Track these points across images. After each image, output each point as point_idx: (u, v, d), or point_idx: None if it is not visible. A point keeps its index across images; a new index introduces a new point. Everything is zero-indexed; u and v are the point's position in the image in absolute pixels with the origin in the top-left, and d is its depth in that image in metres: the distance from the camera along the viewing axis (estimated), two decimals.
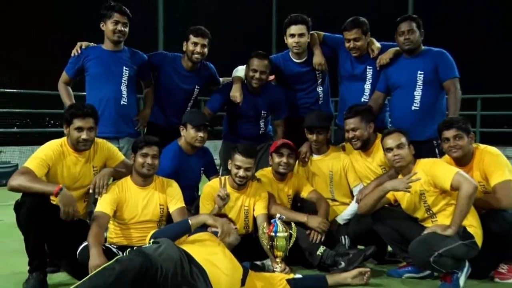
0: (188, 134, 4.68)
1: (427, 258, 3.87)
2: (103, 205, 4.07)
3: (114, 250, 3.96)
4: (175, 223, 4.03)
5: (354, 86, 5.16)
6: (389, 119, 5.18)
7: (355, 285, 3.98)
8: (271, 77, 5.39)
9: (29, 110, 11.98)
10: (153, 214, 4.20)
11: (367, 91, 5.10)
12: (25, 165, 3.99)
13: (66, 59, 5.06)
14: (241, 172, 4.45)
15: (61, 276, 4.21)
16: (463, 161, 4.19)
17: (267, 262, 4.32)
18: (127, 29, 4.98)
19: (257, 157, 4.89)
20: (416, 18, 4.87)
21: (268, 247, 4.22)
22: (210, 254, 3.58)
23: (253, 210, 4.59)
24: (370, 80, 5.08)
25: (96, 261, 3.60)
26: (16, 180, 3.85)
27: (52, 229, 3.91)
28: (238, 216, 4.55)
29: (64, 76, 5.05)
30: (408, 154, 4.18)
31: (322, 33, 5.28)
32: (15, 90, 11.24)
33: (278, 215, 4.27)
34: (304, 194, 4.84)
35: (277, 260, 4.20)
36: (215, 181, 4.60)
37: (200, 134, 4.66)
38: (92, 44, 5.05)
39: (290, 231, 4.22)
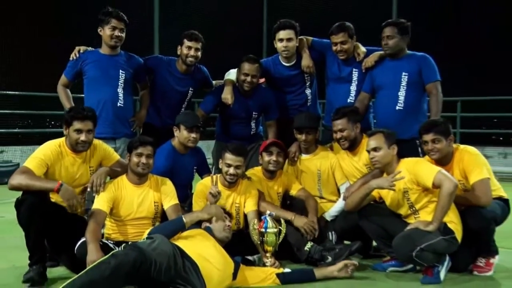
0: (181, 135, 4.67)
1: (410, 253, 3.89)
2: (100, 202, 4.06)
3: (111, 245, 3.96)
4: (169, 221, 4.01)
5: (340, 88, 5.16)
6: (374, 120, 5.19)
7: (341, 278, 3.98)
8: (262, 80, 5.39)
9: (30, 111, 11.95)
10: (148, 211, 4.20)
11: (353, 93, 5.10)
12: (25, 165, 3.97)
13: (65, 62, 5.04)
14: (231, 170, 4.44)
15: (60, 270, 4.19)
16: (444, 161, 4.20)
17: (258, 256, 4.32)
18: (123, 34, 4.96)
19: (247, 156, 4.88)
20: (399, 23, 4.86)
21: (259, 242, 4.22)
22: (202, 249, 3.58)
23: (244, 207, 4.58)
24: (356, 82, 5.09)
25: (93, 256, 3.60)
26: (16, 179, 3.84)
27: (51, 225, 3.90)
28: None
29: (63, 79, 5.03)
30: (385, 156, 4.17)
31: (310, 38, 5.29)
32: (17, 92, 11.19)
33: (268, 212, 4.27)
34: (293, 192, 4.84)
35: (267, 255, 4.21)
36: (207, 179, 4.59)
37: (193, 135, 4.65)
38: (90, 48, 5.03)
39: (280, 227, 4.22)
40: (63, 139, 4.17)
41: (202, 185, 4.56)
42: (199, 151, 4.98)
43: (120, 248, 3.51)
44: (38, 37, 12.43)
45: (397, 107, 4.81)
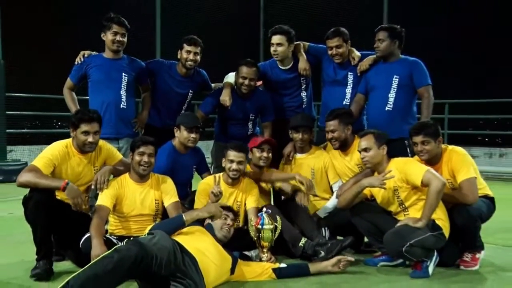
0: (182, 135, 4.66)
1: (400, 248, 3.89)
2: (104, 199, 4.07)
3: (114, 240, 3.99)
4: (170, 218, 4.00)
5: (336, 91, 5.16)
6: (366, 122, 5.19)
7: (335, 273, 3.98)
8: (259, 83, 5.38)
9: (38, 112, 12.02)
10: (149, 208, 4.19)
11: (348, 95, 5.11)
12: (33, 163, 3.98)
13: (71, 65, 5.05)
14: (234, 166, 4.46)
15: (66, 264, 4.19)
16: (433, 160, 4.20)
17: (256, 252, 4.32)
18: (125, 39, 4.97)
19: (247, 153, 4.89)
20: (391, 28, 4.88)
21: (255, 238, 4.22)
22: (200, 244, 3.57)
23: (245, 205, 4.58)
24: (351, 85, 5.09)
25: (97, 251, 3.61)
26: (24, 177, 3.85)
27: (57, 222, 3.92)
28: None
29: (68, 82, 5.04)
30: (375, 156, 4.18)
31: (307, 43, 5.30)
32: (25, 95, 11.19)
33: (264, 209, 4.28)
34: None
35: (264, 250, 4.21)
36: (209, 179, 4.60)
37: (193, 135, 4.65)
38: (94, 52, 5.05)
39: (276, 223, 4.23)
40: (69, 140, 4.17)
41: (205, 184, 4.57)
42: (199, 151, 4.97)
43: (122, 243, 3.51)
44: (46, 43, 12.45)
45: (387, 108, 4.82)
